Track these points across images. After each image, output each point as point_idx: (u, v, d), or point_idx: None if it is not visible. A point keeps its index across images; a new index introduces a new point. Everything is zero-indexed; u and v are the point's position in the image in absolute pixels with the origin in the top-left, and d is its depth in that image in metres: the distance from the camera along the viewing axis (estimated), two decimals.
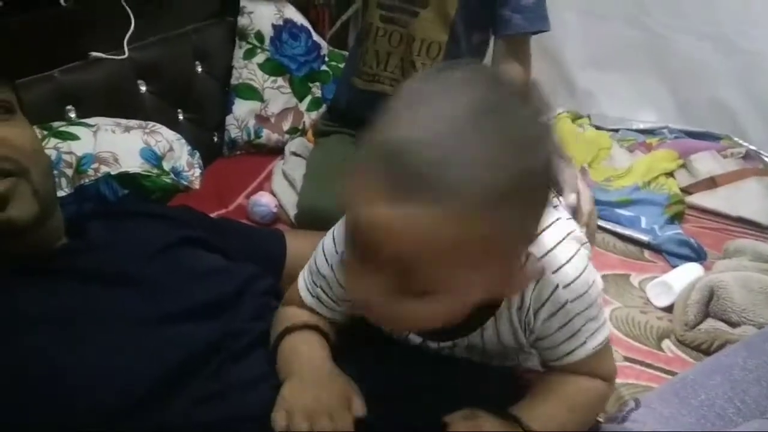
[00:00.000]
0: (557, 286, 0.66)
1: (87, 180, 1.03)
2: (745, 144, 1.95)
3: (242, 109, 1.66)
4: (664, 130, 2.05)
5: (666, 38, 1.99)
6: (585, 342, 0.70)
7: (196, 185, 1.14)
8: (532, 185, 0.55)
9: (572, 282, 0.67)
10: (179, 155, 1.14)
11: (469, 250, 0.53)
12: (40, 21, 1.25)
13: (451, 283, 0.55)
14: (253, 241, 0.99)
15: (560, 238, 0.68)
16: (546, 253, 0.66)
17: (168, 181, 1.10)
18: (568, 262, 0.67)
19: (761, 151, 1.92)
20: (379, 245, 0.53)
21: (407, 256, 0.52)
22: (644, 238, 1.51)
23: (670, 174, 1.83)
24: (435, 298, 0.55)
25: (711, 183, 1.78)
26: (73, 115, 1.25)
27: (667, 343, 1.20)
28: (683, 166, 1.87)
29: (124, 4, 1.41)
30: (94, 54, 1.34)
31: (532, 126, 0.55)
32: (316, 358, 0.71)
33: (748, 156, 1.91)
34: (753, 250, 1.34)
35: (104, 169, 1.04)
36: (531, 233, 0.59)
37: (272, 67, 1.70)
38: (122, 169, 1.05)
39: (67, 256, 0.80)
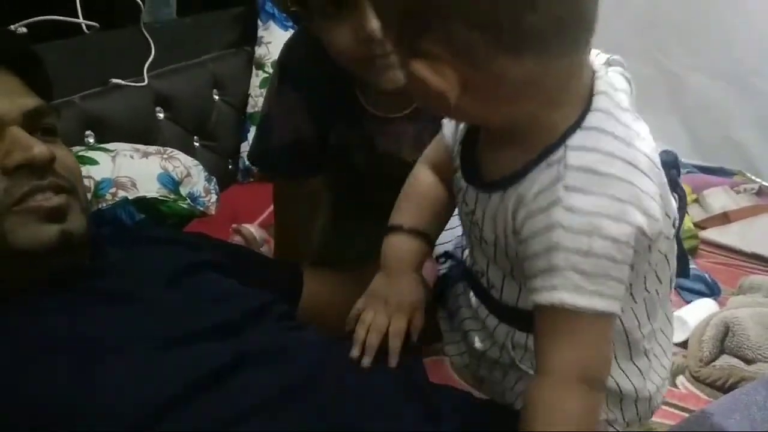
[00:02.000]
0: (558, 200, 0.57)
1: (105, 204, 1.04)
2: (758, 180, 1.95)
3: None
4: None
5: (680, 76, 2.00)
6: (557, 288, 0.57)
7: (212, 211, 1.15)
8: None
9: (575, 211, 0.56)
10: (196, 181, 1.15)
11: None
12: (63, 48, 1.27)
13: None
14: (270, 272, 0.99)
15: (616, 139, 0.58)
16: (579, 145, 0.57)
17: (184, 206, 1.11)
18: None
19: None
20: None
21: None
22: None
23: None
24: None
25: (724, 218, 1.77)
26: (92, 140, 1.27)
27: (681, 380, 1.19)
28: (696, 200, 1.87)
29: (145, 32, 1.44)
30: (115, 81, 1.36)
31: None
32: (410, 263, 0.78)
33: (761, 192, 1.90)
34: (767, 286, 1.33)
35: (122, 193, 1.05)
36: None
37: None
38: (140, 194, 1.06)
39: (89, 278, 0.80)
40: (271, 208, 1.58)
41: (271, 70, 1.72)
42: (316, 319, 0.99)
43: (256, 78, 1.72)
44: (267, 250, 1.38)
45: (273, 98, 1.12)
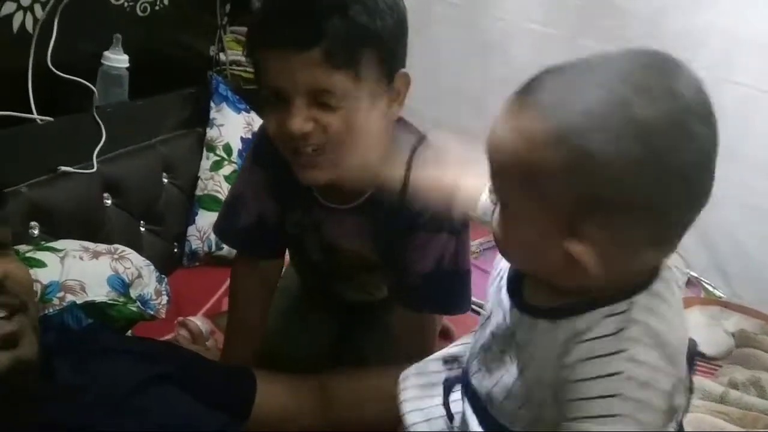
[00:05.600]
0: (623, 350, 0.60)
1: (51, 309, 1.00)
2: (687, 270, 2.04)
3: (205, 220, 1.66)
4: None
5: None
6: None
7: (162, 314, 1.12)
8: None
9: (641, 364, 0.59)
10: (147, 282, 1.12)
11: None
12: (12, 136, 1.25)
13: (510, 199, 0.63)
14: (222, 381, 0.97)
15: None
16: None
17: (134, 309, 1.08)
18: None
19: (702, 278, 2.02)
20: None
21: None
22: None
23: None
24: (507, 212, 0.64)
25: None
26: (36, 231, 1.23)
27: None
28: None
29: (97, 117, 1.42)
30: (63, 168, 1.33)
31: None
32: None
33: (689, 283, 2.00)
34: (702, 388, 1.38)
35: (70, 297, 1.02)
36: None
37: None
38: (88, 298, 1.03)
39: (36, 409, 0.77)
40: (216, 295, 1.57)
41: (222, 153, 1.72)
42: (271, 427, 0.98)
43: (207, 160, 1.71)
44: (213, 343, 1.36)
45: (244, 175, 1.17)
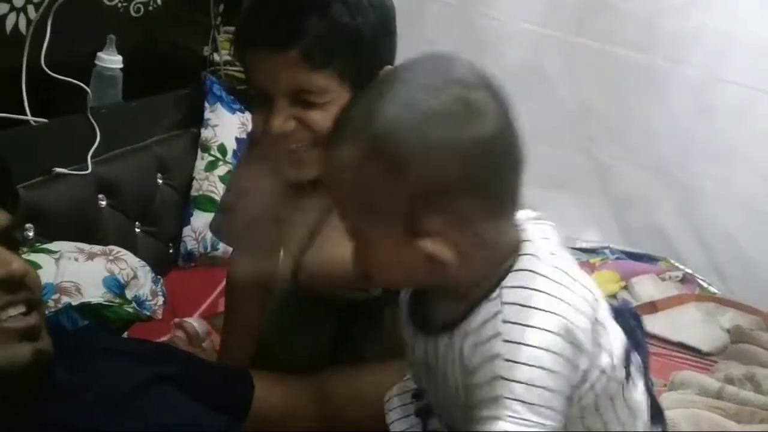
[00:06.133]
0: (498, 333, 0.61)
1: (47, 311, 1.00)
2: (682, 267, 2.05)
3: (201, 220, 1.65)
4: (606, 250, 2.15)
5: (609, 167, 2.11)
6: (501, 418, 0.60)
7: (159, 315, 1.13)
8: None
9: (514, 343, 0.60)
10: (143, 283, 1.12)
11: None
12: (7, 138, 1.24)
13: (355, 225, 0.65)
14: (219, 382, 0.97)
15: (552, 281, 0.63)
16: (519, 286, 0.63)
17: (130, 310, 1.08)
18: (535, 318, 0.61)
19: (697, 275, 2.03)
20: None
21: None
22: None
23: (613, 296, 1.90)
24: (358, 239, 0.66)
25: (652, 307, 1.85)
26: (31, 233, 1.22)
27: None
28: (625, 288, 1.95)
29: (91, 118, 1.42)
30: (58, 170, 1.32)
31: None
32: None
33: (685, 279, 2.01)
34: (698, 383, 1.39)
35: (65, 299, 1.02)
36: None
37: None
38: (84, 300, 1.03)
39: (34, 409, 0.77)
40: (212, 296, 1.57)
41: (217, 153, 1.72)
42: (269, 427, 0.98)
43: (202, 161, 1.71)
44: (209, 344, 1.35)
45: (241, 173, 1.18)
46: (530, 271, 0.64)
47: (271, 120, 0.92)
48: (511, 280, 0.64)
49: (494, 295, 0.64)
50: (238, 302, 1.19)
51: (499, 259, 0.65)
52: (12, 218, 0.81)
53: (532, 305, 0.62)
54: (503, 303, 0.63)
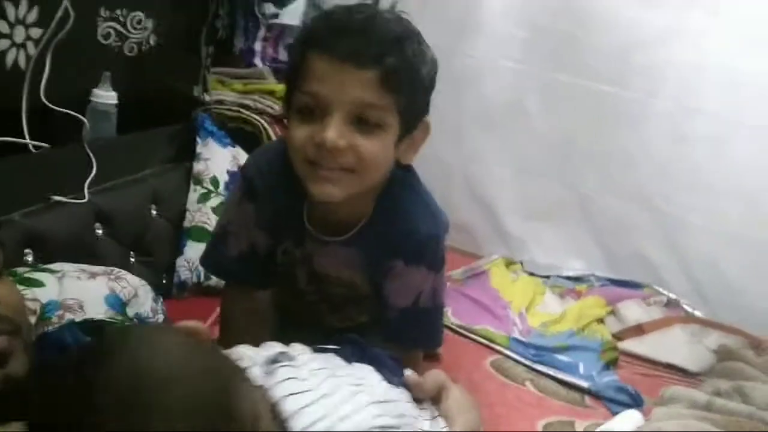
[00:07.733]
0: None
1: (50, 327, 1.01)
2: (665, 293, 2.10)
3: (194, 251, 1.67)
4: (591, 278, 2.19)
5: (593, 197, 2.18)
6: None
7: None
8: None
9: None
10: (143, 301, 1.14)
11: None
12: (6, 165, 1.27)
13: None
14: None
15: None
16: None
17: None
18: None
19: (681, 300, 2.07)
20: None
21: None
22: (584, 384, 1.58)
23: (601, 320, 1.94)
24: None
25: (639, 330, 1.89)
26: (30, 258, 1.24)
27: None
28: (612, 312, 1.99)
29: (87, 148, 1.45)
30: (56, 198, 1.35)
31: None
32: None
33: (669, 304, 2.05)
34: (688, 398, 1.41)
35: (69, 315, 1.02)
36: None
37: None
38: (87, 316, 1.04)
39: None
40: (206, 325, 1.57)
41: (210, 186, 1.75)
42: None
43: (194, 193, 1.73)
44: None
45: (233, 208, 1.19)
46: None
47: (326, 132, 0.94)
48: None
49: None
50: (232, 332, 1.21)
51: None
52: None
53: None
54: None
